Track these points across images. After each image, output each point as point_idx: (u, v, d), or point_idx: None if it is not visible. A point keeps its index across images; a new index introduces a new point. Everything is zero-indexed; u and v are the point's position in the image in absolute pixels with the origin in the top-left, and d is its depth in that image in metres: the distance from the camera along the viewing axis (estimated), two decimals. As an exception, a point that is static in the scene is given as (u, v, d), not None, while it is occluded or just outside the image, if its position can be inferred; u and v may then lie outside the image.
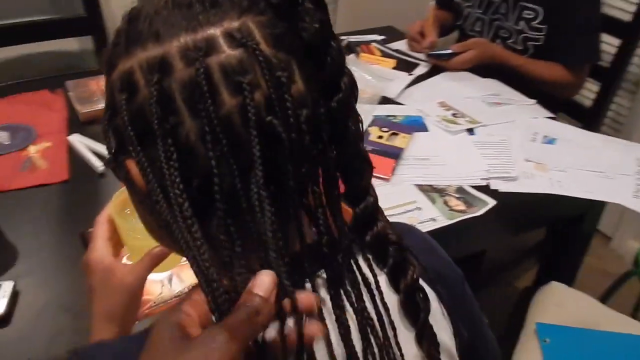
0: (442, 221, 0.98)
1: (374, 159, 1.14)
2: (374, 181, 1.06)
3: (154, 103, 0.36)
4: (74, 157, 1.09)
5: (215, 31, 0.37)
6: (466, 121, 1.28)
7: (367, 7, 1.90)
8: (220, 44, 0.36)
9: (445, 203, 1.02)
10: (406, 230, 0.55)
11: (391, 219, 0.95)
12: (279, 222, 0.38)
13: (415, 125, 1.25)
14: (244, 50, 0.37)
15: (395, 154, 1.13)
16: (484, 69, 1.50)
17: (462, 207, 1.02)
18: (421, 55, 1.58)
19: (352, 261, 0.44)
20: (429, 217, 0.99)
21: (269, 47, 0.38)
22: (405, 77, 1.45)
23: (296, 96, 0.38)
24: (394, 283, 0.46)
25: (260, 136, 0.36)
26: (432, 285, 0.50)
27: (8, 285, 0.78)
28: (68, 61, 1.54)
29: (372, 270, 0.45)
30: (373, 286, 0.44)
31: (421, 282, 0.48)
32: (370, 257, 0.47)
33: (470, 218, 0.99)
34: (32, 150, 1.09)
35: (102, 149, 1.10)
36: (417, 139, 1.20)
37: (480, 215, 1.00)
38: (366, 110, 1.28)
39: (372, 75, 1.37)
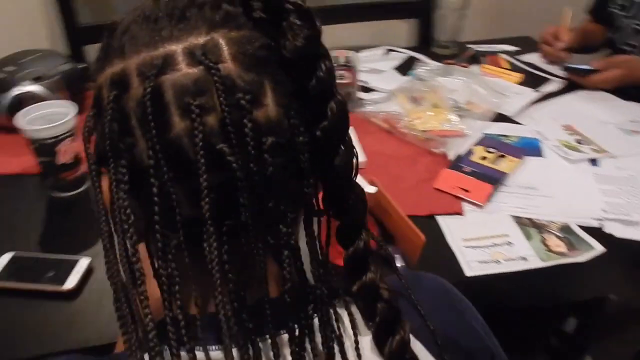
0: (535, 262, 0.86)
1: (470, 181, 1.05)
2: (466, 206, 0.97)
3: (109, 121, 0.34)
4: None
5: (177, 47, 0.34)
6: (591, 149, 1.12)
7: (503, 15, 1.75)
8: (178, 61, 0.34)
9: (543, 241, 0.90)
10: (422, 282, 0.48)
11: (475, 251, 0.87)
12: (234, 262, 0.34)
13: (529, 148, 1.12)
14: (203, 69, 0.33)
15: (496, 178, 1.02)
16: (635, 90, 1.30)
17: (562, 248, 0.89)
18: (555, 70, 1.42)
19: (329, 315, 0.38)
20: (519, 255, 0.87)
21: (237, 66, 0.34)
22: (529, 94, 1.31)
23: (263, 122, 0.34)
24: (380, 347, 0.40)
25: (210, 164, 0.33)
26: (438, 354, 0.42)
27: (84, 262, 0.83)
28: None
29: (354, 328, 0.40)
30: (351, 347, 0.39)
31: (423, 349, 0.41)
32: (355, 311, 0.41)
33: (569, 263, 0.86)
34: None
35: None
36: (527, 165, 1.08)
37: (582, 262, 0.86)
38: (476, 127, 1.18)
39: (487, 89, 1.26)
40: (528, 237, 0.91)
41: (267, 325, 0.36)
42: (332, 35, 1.97)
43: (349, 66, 1.19)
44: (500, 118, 1.23)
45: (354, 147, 0.38)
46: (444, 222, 0.94)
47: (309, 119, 0.36)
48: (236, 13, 0.35)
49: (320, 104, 0.37)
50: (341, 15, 1.61)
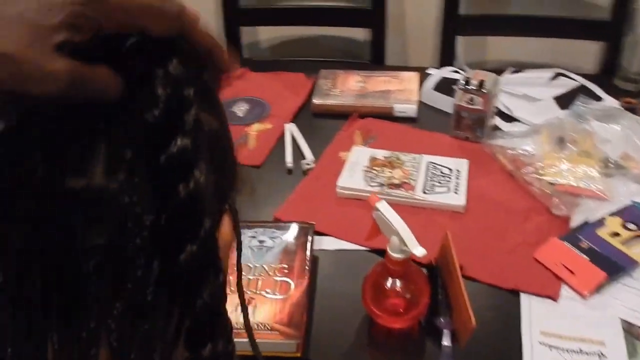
0: (626, 390, 0.67)
1: (581, 262, 0.85)
2: (565, 291, 0.80)
3: None
4: (278, 145, 1.12)
5: None
6: None
7: None
8: None
9: (652, 366, 0.69)
10: None
11: (550, 352, 0.71)
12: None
13: (688, 235, 0.87)
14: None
15: (618, 266, 0.81)
16: None
17: (675, 384, 0.67)
18: None
19: None
20: (606, 376, 0.69)
21: None
22: None
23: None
24: None
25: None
26: None
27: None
28: (350, 49, 1.58)
29: None
30: None
31: None
32: None
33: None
34: (254, 128, 1.17)
35: (305, 144, 1.11)
36: (673, 256, 0.84)
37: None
38: (623, 192, 0.95)
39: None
40: (632, 353, 0.71)
41: None
42: (503, 47, 1.77)
43: (482, 91, 1.04)
44: (665, 186, 0.97)
45: (206, 246, 0.30)
46: (528, 302, 0.78)
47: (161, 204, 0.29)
48: None
49: (169, 187, 0.29)
50: (517, 27, 1.43)
